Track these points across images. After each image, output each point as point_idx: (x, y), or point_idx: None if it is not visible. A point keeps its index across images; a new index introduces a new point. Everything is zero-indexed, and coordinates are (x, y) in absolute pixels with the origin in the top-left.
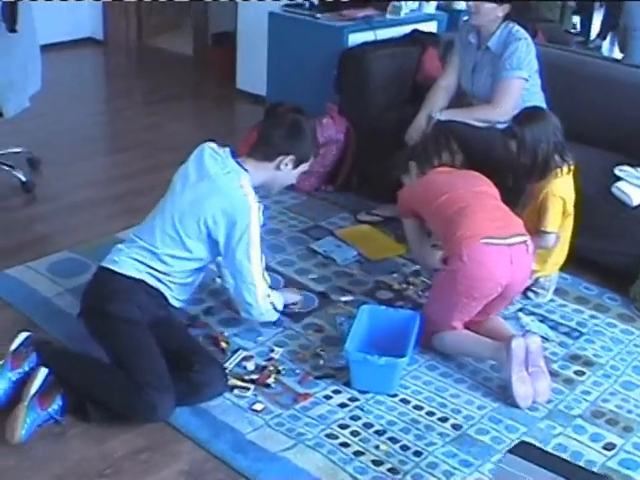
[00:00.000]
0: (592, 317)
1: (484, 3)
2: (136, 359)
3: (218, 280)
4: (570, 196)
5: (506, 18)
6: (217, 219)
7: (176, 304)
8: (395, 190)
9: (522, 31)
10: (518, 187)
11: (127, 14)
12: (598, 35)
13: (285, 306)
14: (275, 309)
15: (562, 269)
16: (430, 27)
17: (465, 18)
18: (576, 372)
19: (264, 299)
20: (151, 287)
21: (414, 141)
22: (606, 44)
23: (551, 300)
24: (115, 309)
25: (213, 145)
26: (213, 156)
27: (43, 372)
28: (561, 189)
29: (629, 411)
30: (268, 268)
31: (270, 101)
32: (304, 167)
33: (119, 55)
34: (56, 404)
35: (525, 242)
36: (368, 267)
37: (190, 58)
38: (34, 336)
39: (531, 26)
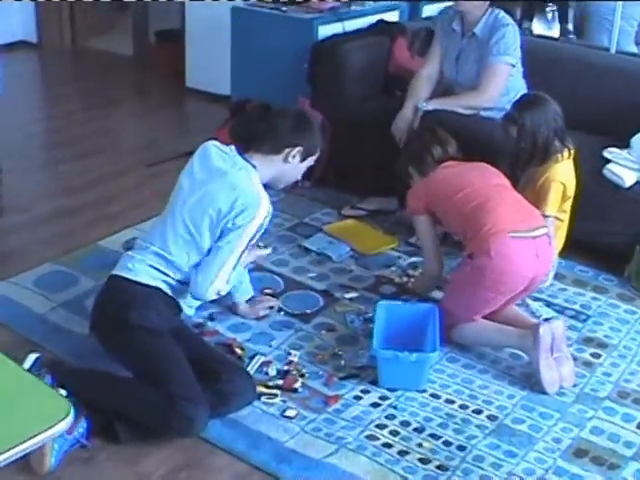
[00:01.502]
0: (594, 299)
1: None
2: (165, 370)
3: None
4: (571, 181)
5: (491, 4)
6: (228, 209)
7: (190, 312)
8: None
9: (508, 17)
10: (515, 172)
11: (60, 15)
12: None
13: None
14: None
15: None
16: (393, 16)
17: (447, 5)
18: (592, 354)
19: (214, 291)
20: (166, 295)
21: (401, 132)
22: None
23: (551, 285)
24: (136, 318)
25: (217, 143)
26: (220, 154)
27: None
28: (561, 174)
29: None
30: (264, 270)
31: (236, 99)
32: (311, 161)
33: (55, 58)
34: (81, 427)
35: (547, 234)
36: (364, 262)
37: (130, 58)
38: (44, 356)
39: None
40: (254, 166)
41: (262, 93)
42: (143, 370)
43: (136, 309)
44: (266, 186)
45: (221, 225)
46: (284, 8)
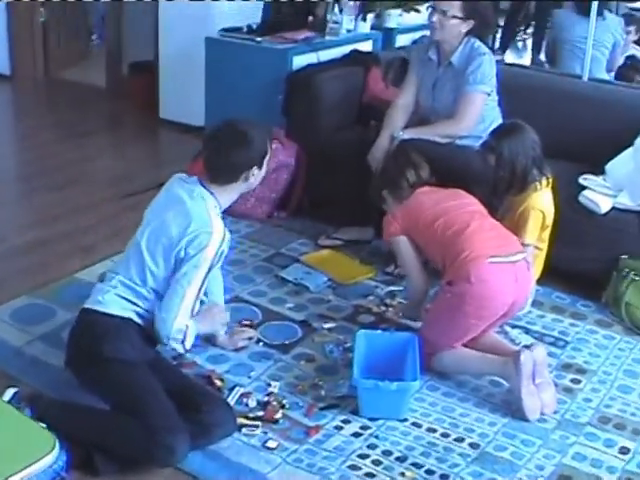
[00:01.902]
0: (572, 325)
1: (449, 19)
2: (142, 401)
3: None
4: (550, 209)
5: (468, 34)
6: (178, 236)
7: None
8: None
9: (484, 46)
10: (493, 201)
11: (34, 47)
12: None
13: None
14: (183, 344)
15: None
16: (366, 46)
17: (423, 35)
18: (572, 380)
19: (179, 330)
20: (139, 325)
21: (377, 161)
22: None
23: (529, 312)
24: (109, 350)
25: (183, 175)
26: (181, 184)
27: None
28: (541, 202)
29: (633, 414)
30: (241, 300)
31: (210, 129)
32: (268, 157)
33: (28, 90)
34: (60, 460)
35: (525, 258)
36: (342, 292)
37: (103, 89)
38: (22, 390)
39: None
40: (212, 193)
41: None
42: (120, 402)
43: (109, 342)
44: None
45: (174, 253)
46: (258, 39)
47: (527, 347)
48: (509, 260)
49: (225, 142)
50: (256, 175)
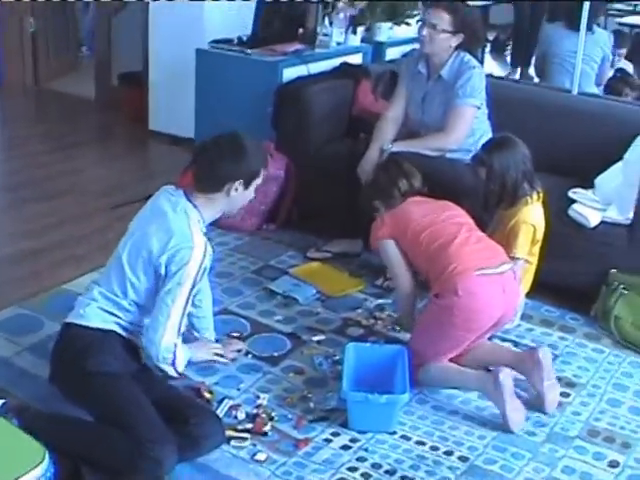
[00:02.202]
0: (561, 339)
1: (439, 32)
2: (128, 414)
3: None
4: (540, 224)
5: (457, 47)
6: (159, 251)
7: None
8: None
9: (474, 60)
10: (483, 214)
11: (23, 57)
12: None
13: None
14: (174, 365)
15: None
16: (356, 59)
17: (413, 48)
18: (561, 394)
19: (167, 348)
20: (122, 337)
21: (367, 174)
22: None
23: (518, 325)
24: (92, 364)
25: (170, 187)
26: (167, 197)
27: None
28: (531, 216)
29: (622, 427)
30: (230, 313)
31: (199, 141)
32: (258, 182)
33: (17, 99)
34: (48, 472)
35: (512, 269)
36: (330, 304)
37: (92, 100)
38: (10, 402)
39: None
40: (196, 206)
41: None
42: (106, 415)
43: (92, 356)
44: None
45: (154, 267)
46: (248, 51)
47: (533, 349)
48: (496, 272)
49: (221, 149)
50: (239, 193)
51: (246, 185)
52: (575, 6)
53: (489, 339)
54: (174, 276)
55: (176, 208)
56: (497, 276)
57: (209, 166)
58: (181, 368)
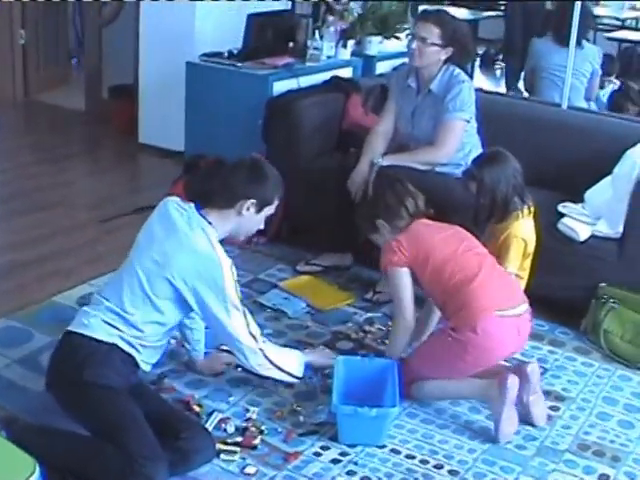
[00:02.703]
0: (550, 352)
1: (428, 46)
2: (122, 429)
3: (173, 342)
4: (531, 238)
5: (447, 61)
6: (187, 278)
7: (146, 368)
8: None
9: (463, 74)
10: (472, 230)
11: (13, 69)
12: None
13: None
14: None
15: None
16: (346, 73)
17: (403, 62)
18: (551, 407)
19: (254, 353)
20: (123, 351)
21: (357, 187)
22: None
23: None
24: (92, 376)
25: (177, 200)
26: (179, 210)
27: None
28: (522, 231)
29: (611, 441)
30: None
31: (189, 154)
32: (270, 210)
33: (7, 111)
34: None
35: (528, 310)
36: (320, 318)
37: (82, 113)
38: None
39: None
40: (210, 223)
41: (216, 149)
42: (100, 428)
43: (92, 367)
44: (223, 241)
45: (182, 290)
46: (239, 64)
47: (521, 364)
48: (515, 313)
49: (242, 167)
50: (250, 214)
51: (258, 209)
52: (564, 21)
53: None
54: (218, 296)
55: (192, 224)
56: (515, 318)
57: (226, 182)
58: (294, 368)
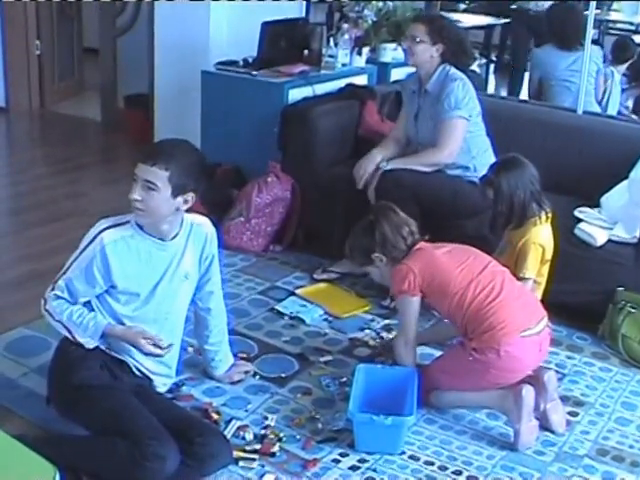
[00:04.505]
0: (569, 358)
1: (417, 44)
2: (123, 417)
3: (190, 349)
4: (549, 244)
5: (443, 61)
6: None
7: (162, 389)
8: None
9: (458, 73)
10: (485, 235)
11: (29, 79)
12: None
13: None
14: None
15: None
16: (361, 80)
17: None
18: (570, 413)
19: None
20: (106, 354)
21: (361, 175)
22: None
23: None
24: (81, 379)
25: None
26: None
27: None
28: (540, 237)
29: (631, 446)
30: (237, 334)
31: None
32: (187, 198)
33: (23, 122)
34: None
35: (548, 325)
36: (337, 325)
37: (98, 122)
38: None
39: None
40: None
41: (232, 157)
42: (102, 424)
43: (79, 370)
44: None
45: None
46: (254, 72)
47: (538, 371)
48: (536, 331)
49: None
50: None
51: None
52: (565, 26)
53: None
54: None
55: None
56: (536, 336)
57: None
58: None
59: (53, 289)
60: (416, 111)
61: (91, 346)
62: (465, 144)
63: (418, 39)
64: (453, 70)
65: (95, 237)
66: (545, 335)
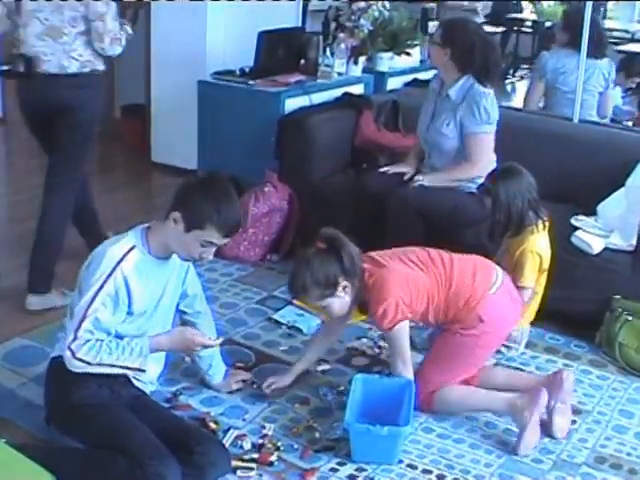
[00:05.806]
0: (566, 366)
1: (433, 46)
2: (123, 437)
3: (187, 359)
4: (546, 253)
5: (465, 73)
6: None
7: (151, 388)
8: None
9: (483, 87)
10: (484, 244)
11: None
12: None
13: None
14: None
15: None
16: (358, 89)
17: (415, 77)
18: None
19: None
20: None
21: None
22: None
23: (522, 353)
24: (79, 398)
25: None
26: None
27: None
28: (538, 245)
29: (628, 454)
30: (234, 343)
31: (203, 172)
32: (202, 236)
33: (20, 132)
34: None
35: (504, 273)
36: None
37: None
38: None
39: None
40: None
41: (229, 167)
42: (102, 442)
43: (77, 390)
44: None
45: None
46: (251, 82)
47: (558, 371)
48: (500, 282)
49: (197, 180)
50: (177, 229)
51: (187, 228)
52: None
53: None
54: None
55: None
56: (502, 287)
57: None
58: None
59: (76, 338)
60: (433, 110)
61: (145, 367)
62: (492, 155)
63: (434, 41)
64: (477, 84)
65: (114, 270)
66: (507, 281)
